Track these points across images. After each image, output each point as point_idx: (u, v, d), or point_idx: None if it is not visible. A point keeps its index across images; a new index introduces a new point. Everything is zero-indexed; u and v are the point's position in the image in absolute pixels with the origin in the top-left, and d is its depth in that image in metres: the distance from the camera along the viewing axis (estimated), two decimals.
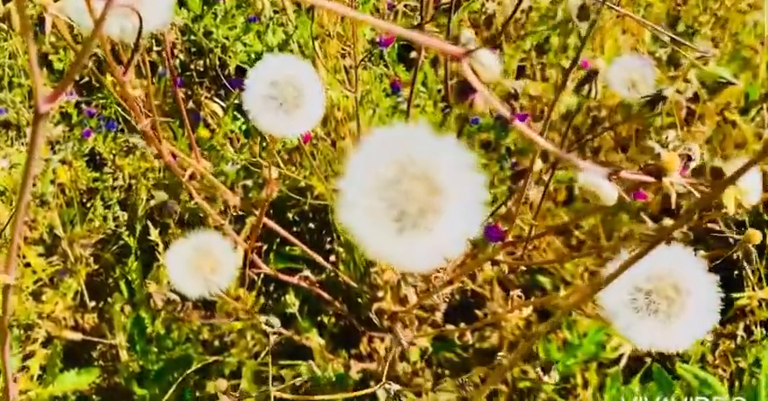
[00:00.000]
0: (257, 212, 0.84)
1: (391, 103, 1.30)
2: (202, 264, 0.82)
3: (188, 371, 1.26)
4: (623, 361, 1.28)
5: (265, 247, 1.35)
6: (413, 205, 0.43)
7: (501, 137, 0.97)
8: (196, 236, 0.84)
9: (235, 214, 0.85)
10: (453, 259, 0.44)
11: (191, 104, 1.67)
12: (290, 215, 1.41)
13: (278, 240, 1.31)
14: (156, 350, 1.28)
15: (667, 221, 0.44)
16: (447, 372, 1.37)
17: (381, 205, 0.44)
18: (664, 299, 0.55)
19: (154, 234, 1.34)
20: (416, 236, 0.44)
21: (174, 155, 0.81)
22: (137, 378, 1.32)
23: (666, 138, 0.45)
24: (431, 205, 0.44)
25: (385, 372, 0.87)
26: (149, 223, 1.40)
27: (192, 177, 0.72)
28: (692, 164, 0.48)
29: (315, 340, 0.95)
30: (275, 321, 0.59)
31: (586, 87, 0.76)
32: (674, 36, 0.89)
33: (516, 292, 0.87)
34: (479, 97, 0.48)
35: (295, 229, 1.44)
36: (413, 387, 1.34)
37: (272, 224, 0.87)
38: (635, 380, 1.15)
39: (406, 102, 1.24)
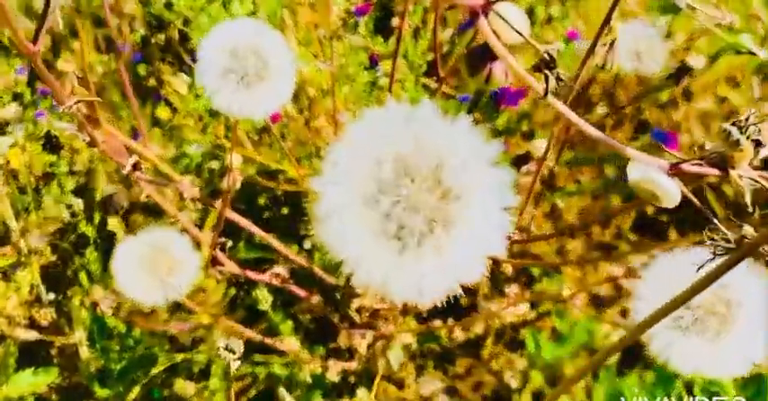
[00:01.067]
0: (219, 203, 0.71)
1: (369, 79, 1.17)
2: (158, 266, 0.70)
3: (154, 371, 1.14)
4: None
5: (235, 236, 1.22)
6: (417, 216, 0.31)
7: (492, 117, 0.85)
8: (149, 233, 0.71)
9: (196, 206, 0.72)
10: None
11: (152, 82, 1.52)
12: (261, 200, 1.28)
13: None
14: (117, 348, 1.15)
15: (748, 230, 0.32)
16: (430, 364, 1.27)
17: (374, 216, 0.31)
18: (712, 315, 0.44)
19: (112, 223, 1.20)
20: (422, 257, 0.32)
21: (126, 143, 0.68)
22: (99, 378, 1.19)
23: (747, 119, 0.33)
24: (441, 215, 0.31)
25: (379, 375, 0.77)
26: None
27: (135, 167, 0.59)
28: (764, 152, 0.37)
29: (289, 341, 0.83)
30: (236, 345, 0.47)
31: (601, 58, 0.64)
32: (689, 2, 0.77)
33: (513, 289, 0.76)
34: (500, 66, 0.36)
35: (267, 215, 1.31)
36: (395, 380, 1.24)
37: (237, 217, 0.74)
38: (633, 374, 1.06)
39: (386, 76, 1.11)
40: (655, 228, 1.09)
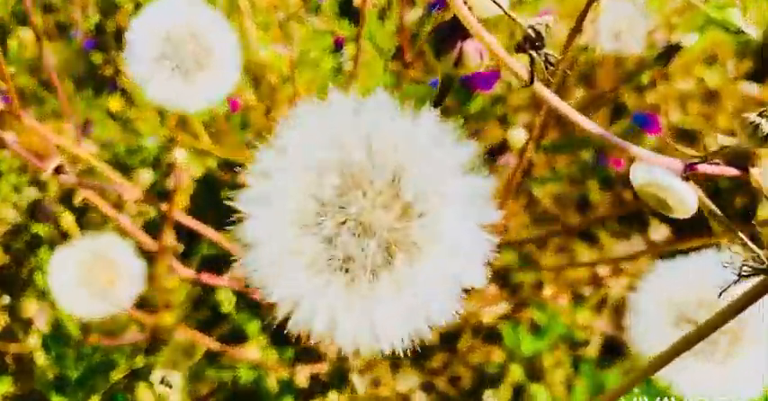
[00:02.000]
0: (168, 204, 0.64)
1: (334, 64, 1.09)
2: (98, 276, 0.62)
3: (115, 377, 1.07)
4: (597, 342, 1.13)
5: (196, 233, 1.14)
6: (371, 241, 0.24)
7: (464, 103, 0.78)
8: (89, 240, 0.63)
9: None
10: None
11: (109, 70, 1.42)
12: (223, 193, 1.20)
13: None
14: (74, 354, 1.07)
15: None
16: (405, 360, 1.21)
17: (314, 243, 0.24)
18: (722, 335, 0.38)
19: (66, 221, 1.12)
20: (378, 294, 0.25)
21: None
22: (56, 385, 1.11)
23: None
24: (403, 238, 0.24)
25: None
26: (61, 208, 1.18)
27: (59, 170, 0.51)
28: None
29: (251, 349, 0.77)
30: (174, 377, 0.40)
31: (588, 37, 0.58)
32: None
33: (491, 289, 0.70)
34: (473, 45, 0.29)
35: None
36: (371, 378, 1.18)
37: (186, 219, 0.67)
38: (615, 367, 1.00)
39: (352, 60, 1.03)
40: (636, 217, 1.03)
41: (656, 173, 0.26)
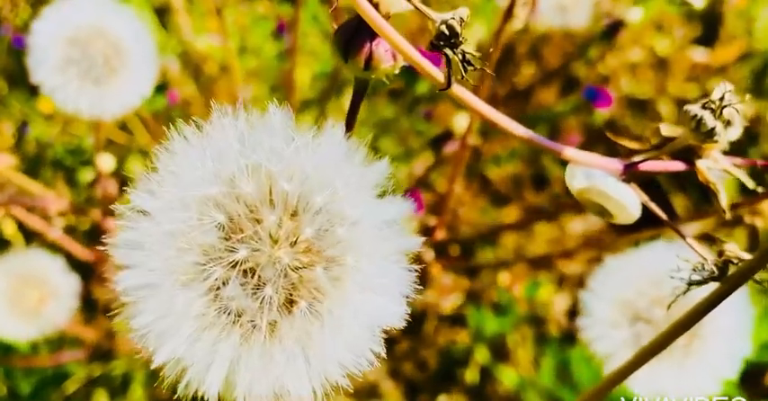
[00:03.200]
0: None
1: (279, 50, 1.05)
2: (27, 295, 0.58)
3: (71, 389, 1.02)
4: (558, 320, 1.12)
5: None
6: (267, 288, 0.21)
7: (410, 84, 0.75)
8: (16, 257, 0.59)
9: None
10: None
11: None
12: None
13: None
14: (22, 369, 1.02)
15: (732, 250, 0.23)
16: None
17: (198, 294, 0.21)
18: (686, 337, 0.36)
19: (9, 229, 1.07)
20: (279, 348, 0.22)
21: None
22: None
23: (721, 99, 0.23)
24: (305, 282, 0.21)
25: None
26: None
27: None
28: (733, 133, 0.28)
29: None
30: None
31: (522, 21, 0.55)
32: None
33: (447, 279, 0.67)
34: (383, 46, 0.26)
35: None
36: None
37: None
38: (578, 347, 1.00)
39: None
40: None
41: (594, 178, 0.24)
